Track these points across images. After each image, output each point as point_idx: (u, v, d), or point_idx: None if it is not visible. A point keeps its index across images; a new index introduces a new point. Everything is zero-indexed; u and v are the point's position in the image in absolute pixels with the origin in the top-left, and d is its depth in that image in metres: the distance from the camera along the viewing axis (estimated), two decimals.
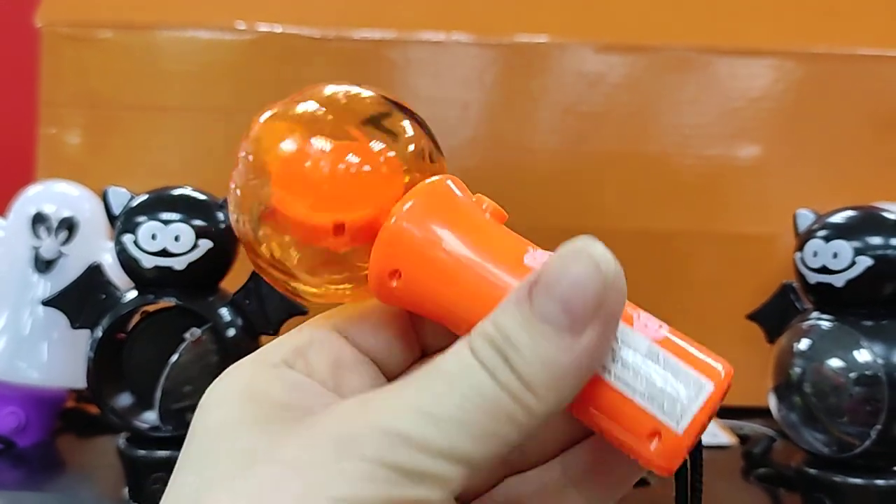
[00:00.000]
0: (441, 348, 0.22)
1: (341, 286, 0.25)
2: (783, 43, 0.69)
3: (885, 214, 0.45)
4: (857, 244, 0.44)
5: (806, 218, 0.48)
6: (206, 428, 0.22)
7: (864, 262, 0.44)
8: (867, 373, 0.44)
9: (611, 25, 0.71)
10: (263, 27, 0.69)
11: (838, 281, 0.44)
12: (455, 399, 0.20)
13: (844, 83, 0.69)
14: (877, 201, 0.66)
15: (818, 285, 0.45)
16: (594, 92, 0.69)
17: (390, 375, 0.25)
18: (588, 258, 0.20)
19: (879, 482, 0.44)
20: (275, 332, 0.49)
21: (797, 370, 0.46)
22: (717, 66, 0.69)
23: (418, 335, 0.26)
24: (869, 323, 0.44)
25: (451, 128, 0.69)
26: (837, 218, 0.46)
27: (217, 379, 0.24)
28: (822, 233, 0.46)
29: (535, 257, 0.22)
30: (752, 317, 0.51)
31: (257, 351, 0.24)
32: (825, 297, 0.46)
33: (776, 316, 0.50)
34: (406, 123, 0.24)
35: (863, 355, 0.44)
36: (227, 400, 0.23)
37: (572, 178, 0.69)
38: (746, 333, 0.52)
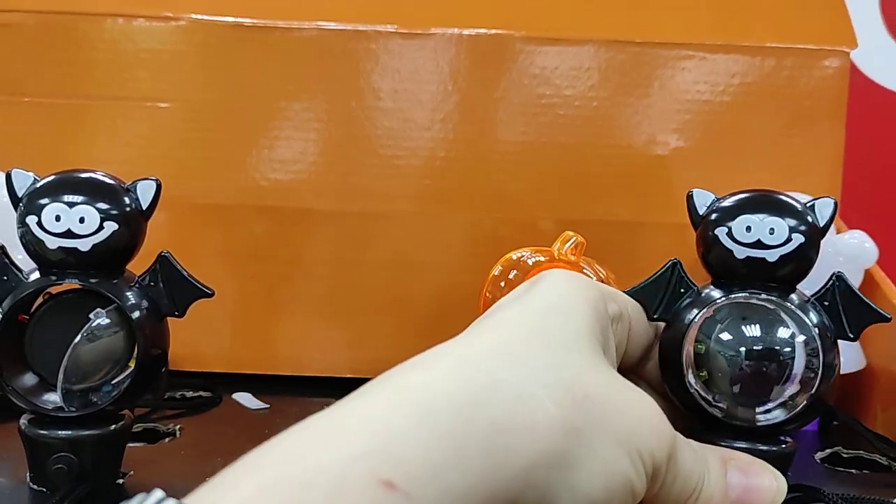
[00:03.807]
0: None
1: None
2: (696, 36, 0.71)
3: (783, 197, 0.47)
4: (791, 222, 0.46)
5: (704, 196, 0.48)
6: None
7: (798, 238, 0.45)
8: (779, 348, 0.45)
9: (537, 19, 0.72)
10: (191, 15, 0.69)
11: (772, 256, 0.45)
12: None
13: (755, 75, 0.71)
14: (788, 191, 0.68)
15: (748, 259, 0.46)
16: (527, 85, 0.70)
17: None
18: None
19: (762, 447, 0.45)
20: (181, 315, 0.49)
21: (700, 347, 0.46)
22: (637, 59, 0.70)
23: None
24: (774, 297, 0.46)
25: (387, 121, 0.69)
26: (762, 197, 0.47)
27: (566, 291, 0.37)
28: (754, 208, 0.46)
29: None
30: (633, 293, 0.47)
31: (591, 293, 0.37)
32: (753, 272, 0.46)
33: (660, 293, 0.47)
34: None
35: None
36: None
37: (491, 170, 0.69)
38: None
